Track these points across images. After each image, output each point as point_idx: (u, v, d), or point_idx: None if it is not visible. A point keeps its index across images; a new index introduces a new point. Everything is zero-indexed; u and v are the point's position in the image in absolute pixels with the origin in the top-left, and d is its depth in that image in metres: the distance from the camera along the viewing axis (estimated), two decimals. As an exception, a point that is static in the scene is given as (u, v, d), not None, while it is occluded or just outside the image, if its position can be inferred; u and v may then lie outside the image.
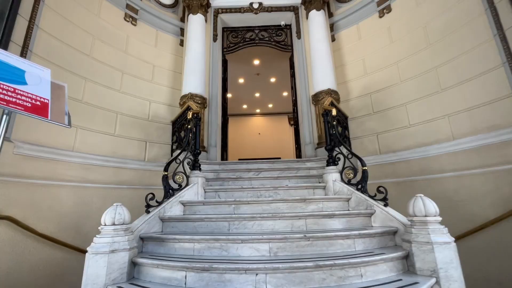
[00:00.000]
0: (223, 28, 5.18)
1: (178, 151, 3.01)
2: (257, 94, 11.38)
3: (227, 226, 2.34)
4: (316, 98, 4.11)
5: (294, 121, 4.90)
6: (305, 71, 4.46)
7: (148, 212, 2.51)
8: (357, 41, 4.42)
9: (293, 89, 5.04)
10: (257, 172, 3.57)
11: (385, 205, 2.47)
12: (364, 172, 2.71)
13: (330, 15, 4.73)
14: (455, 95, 3.21)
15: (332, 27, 4.71)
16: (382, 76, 4.02)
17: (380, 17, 4.17)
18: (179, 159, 2.91)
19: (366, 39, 4.32)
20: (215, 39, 4.71)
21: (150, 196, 2.55)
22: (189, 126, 3.14)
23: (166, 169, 2.78)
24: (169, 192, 2.72)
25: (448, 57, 3.31)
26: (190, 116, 3.16)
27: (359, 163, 2.79)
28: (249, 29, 5.16)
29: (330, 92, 4.01)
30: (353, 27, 4.51)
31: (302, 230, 2.27)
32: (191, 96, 4.03)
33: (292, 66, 5.08)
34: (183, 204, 2.74)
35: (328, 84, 4.08)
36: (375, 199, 2.55)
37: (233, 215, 2.35)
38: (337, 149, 3.07)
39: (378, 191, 2.52)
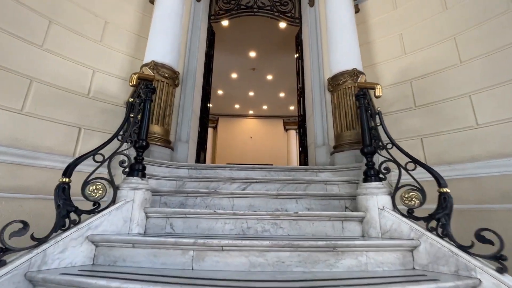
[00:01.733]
0: (212, -9, 3.90)
1: (118, 144, 1.66)
2: (251, 93, 10.11)
3: (166, 314, 0.98)
4: (335, 82, 2.84)
5: (299, 116, 3.61)
6: (318, 48, 3.20)
7: (2, 264, 1.13)
8: (391, 10, 3.21)
9: (299, 74, 3.76)
10: (244, 184, 2.22)
11: (501, 271, 1.18)
12: (445, 199, 1.42)
13: (353, -20, 3.52)
14: None
15: (355, -4, 3.49)
16: (430, 55, 2.79)
17: (427, -23, 2.97)
18: (102, 155, 1.55)
19: (405, 7, 3.10)
20: (198, -1, 3.42)
21: (17, 226, 1.18)
22: (131, 100, 1.79)
23: (67, 173, 1.41)
24: (66, 218, 1.35)
25: (550, 22, 2.11)
26: (134, 82, 1.81)
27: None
28: (246, -6, 3.89)
29: (356, 74, 2.75)
30: (386, -7, 3.30)
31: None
32: (155, 66, 2.69)
33: (299, 45, 3.82)
34: (95, 243, 1.37)
35: (353, 63, 2.82)
36: (474, 255, 1.25)
37: (185, 282, 1.00)
38: (381, 153, 1.78)
39: (479, 237, 1.23)
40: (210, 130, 11.43)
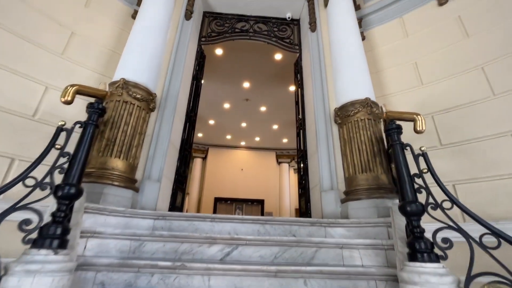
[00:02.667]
0: (204, 13, 3.55)
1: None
2: (243, 124, 9.68)
3: None
4: (344, 113, 2.34)
5: (298, 150, 3.05)
6: (322, 76, 2.76)
7: None
8: (401, 39, 2.86)
9: (298, 104, 3.29)
10: (229, 247, 1.55)
11: None
12: None
13: (357, 8, 3.24)
14: None
15: (359, 24, 3.18)
16: (453, 87, 2.36)
17: (441, 4, 2.67)
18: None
19: (417, 35, 2.76)
20: (188, 17, 3.01)
21: None
22: (60, 124, 1.19)
23: None
24: None
25: None
26: (69, 98, 1.21)
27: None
28: (241, 18, 3.55)
29: (369, 104, 2.27)
30: (394, 21, 2.99)
31: None
32: (125, 85, 2.13)
33: (298, 73, 3.40)
34: None
35: (365, 91, 2.35)
36: None
37: None
38: (431, 212, 1.20)
39: None
40: (199, 161, 10.74)
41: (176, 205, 2.52)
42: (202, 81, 7.30)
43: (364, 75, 2.47)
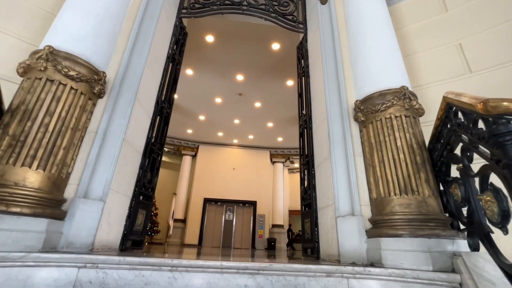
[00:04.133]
0: (187, -20, 2.81)
1: None
2: (236, 121, 8.95)
3: None
4: (370, 107, 1.66)
5: (302, 155, 2.37)
6: (337, 59, 2.07)
7: None
8: (439, 14, 2.20)
9: (302, 97, 2.60)
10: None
11: None
12: None
13: (378, -22, 2.56)
14: None
15: (381, -3, 2.51)
16: (519, 76, 1.72)
17: (495, -31, 2.02)
18: None
19: (460, 9, 2.10)
20: (162, -23, 2.28)
21: None
22: None
23: None
24: None
25: None
26: None
27: None
28: (234, -12, 2.83)
29: (408, 95, 1.60)
30: (428, -8, 2.33)
31: None
32: (52, 56, 1.41)
33: (302, 58, 2.71)
34: None
35: (399, 77, 1.68)
36: None
37: None
38: None
39: None
40: (188, 159, 9.98)
41: (135, 229, 1.80)
42: (191, 72, 6.53)
43: (396, 56, 1.80)
